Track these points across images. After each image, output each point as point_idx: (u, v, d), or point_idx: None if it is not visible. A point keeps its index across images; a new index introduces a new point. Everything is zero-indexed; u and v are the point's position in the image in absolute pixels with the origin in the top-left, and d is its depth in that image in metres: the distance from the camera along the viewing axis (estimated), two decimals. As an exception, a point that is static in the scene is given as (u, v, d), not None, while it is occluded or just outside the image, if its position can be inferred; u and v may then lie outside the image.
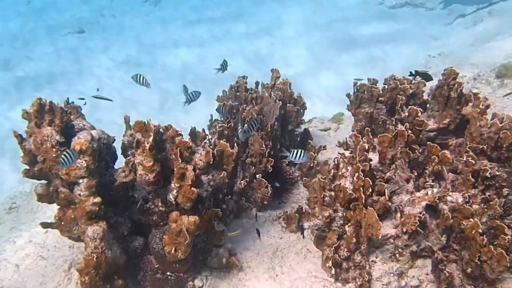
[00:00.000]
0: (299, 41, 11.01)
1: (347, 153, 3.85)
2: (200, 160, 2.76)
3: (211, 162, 2.74)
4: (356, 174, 2.92)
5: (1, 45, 11.67)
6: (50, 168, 2.60)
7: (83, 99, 4.28)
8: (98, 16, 13.48)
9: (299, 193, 3.79)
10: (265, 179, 3.55)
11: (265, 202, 3.55)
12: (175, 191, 2.74)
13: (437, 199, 2.87)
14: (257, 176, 3.53)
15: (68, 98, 3.19)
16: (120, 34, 12.32)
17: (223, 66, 4.13)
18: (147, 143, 2.64)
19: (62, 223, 2.79)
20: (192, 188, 2.61)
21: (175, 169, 2.71)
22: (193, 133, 3.87)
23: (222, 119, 3.99)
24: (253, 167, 3.56)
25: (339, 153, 3.92)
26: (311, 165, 3.69)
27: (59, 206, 2.81)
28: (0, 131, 7.63)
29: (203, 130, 4.00)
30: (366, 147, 3.12)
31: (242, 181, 3.48)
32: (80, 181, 2.57)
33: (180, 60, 10.41)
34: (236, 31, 12.09)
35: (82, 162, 2.52)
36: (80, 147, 2.51)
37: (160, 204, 2.91)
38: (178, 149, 2.68)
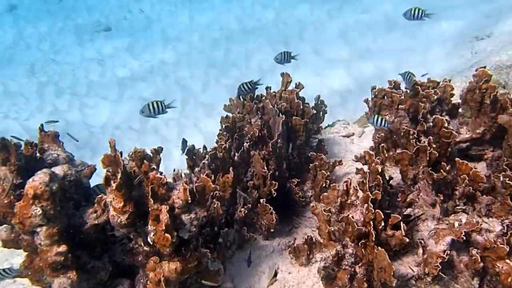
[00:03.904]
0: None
1: (365, 168, 3.39)
2: (178, 198, 2.38)
3: (189, 201, 2.34)
4: (366, 205, 2.44)
5: (29, 48, 11.74)
6: (4, 215, 2.30)
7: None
8: (126, 11, 13.30)
9: (312, 216, 3.34)
10: (272, 202, 3.14)
11: (272, 230, 3.13)
12: (152, 233, 2.38)
13: (464, 234, 2.35)
14: (261, 200, 3.11)
15: (42, 125, 2.88)
16: (146, 30, 12.10)
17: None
18: (114, 182, 2.27)
19: (30, 272, 2.49)
20: (166, 235, 2.24)
21: (150, 210, 2.34)
22: (191, 152, 3.51)
23: (224, 132, 3.58)
24: (256, 191, 3.14)
25: (356, 169, 3.47)
26: (324, 185, 3.24)
27: (26, 253, 2.51)
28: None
29: (204, 147, 3.63)
30: (379, 170, 2.63)
31: (242, 208, 3.07)
32: (38, 229, 2.25)
33: (206, 56, 10.04)
34: (266, 18, 11.54)
35: (37, 209, 2.19)
36: (33, 191, 2.18)
37: (142, 244, 2.58)
38: (150, 187, 2.30)
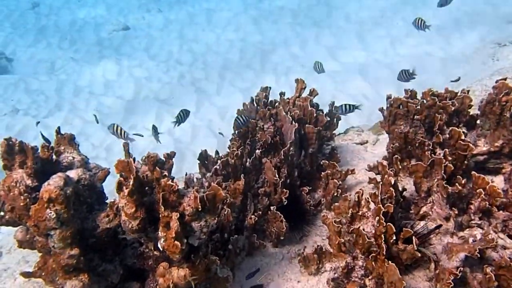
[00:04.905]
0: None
1: (378, 178, 3.36)
2: (188, 206, 2.38)
3: (199, 209, 2.35)
4: (377, 218, 2.42)
5: (50, 46, 11.89)
6: (20, 217, 2.33)
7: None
8: (144, 11, 13.40)
9: (323, 224, 3.32)
10: (283, 209, 3.13)
11: (282, 238, 3.12)
12: (162, 240, 2.39)
13: (478, 252, 2.31)
14: (272, 208, 3.10)
15: (59, 127, 2.92)
16: (163, 29, 12.16)
17: (180, 117, 3.89)
18: (126, 188, 2.29)
19: (43, 273, 2.53)
20: (176, 242, 2.25)
21: (160, 216, 2.35)
22: (203, 157, 3.51)
23: (237, 137, 3.58)
24: (266, 198, 3.14)
25: (369, 178, 3.44)
26: (336, 194, 3.22)
27: (40, 254, 2.55)
28: (36, 140, 7.68)
29: (217, 152, 3.64)
30: (392, 182, 2.60)
31: (253, 216, 3.07)
32: (52, 232, 2.28)
33: (222, 57, 10.04)
34: (283, 21, 11.51)
35: (51, 213, 2.21)
36: (48, 195, 2.21)
37: (153, 248, 2.59)
38: (161, 194, 2.31)
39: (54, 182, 2.26)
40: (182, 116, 4.10)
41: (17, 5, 15.29)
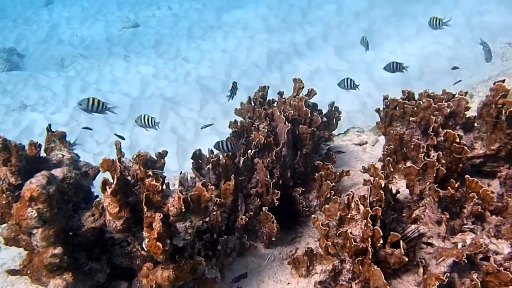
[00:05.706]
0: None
1: (372, 180, 3.31)
2: (173, 206, 2.36)
3: (183, 210, 2.32)
4: (365, 221, 2.38)
5: (61, 43, 11.99)
6: (3, 215, 2.33)
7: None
8: (155, 8, 13.44)
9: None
10: (276, 210, 3.10)
11: (273, 239, 3.08)
12: (146, 240, 2.37)
13: (466, 257, 2.26)
14: (263, 209, 3.07)
15: (50, 125, 2.93)
16: (172, 27, 12.17)
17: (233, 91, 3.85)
18: (109, 188, 2.27)
19: (29, 271, 2.53)
20: (158, 243, 2.23)
21: (144, 216, 2.33)
22: (197, 156, 3.49)
23: (232, 137, 3.56)
24: (258, 199, 3.10)
25: (364, 180, 3.39)
26: (329, 195, 3.17)
27: (26, 252, 2.55)
28: (41, 136, 7.72)
29: (211, 151, 3.61)
30: (382, 184, 2.55)
31: (243, 216, 3.04)
32: (34, 231, 2.27)
33: (229, 54, 10.01)
34: (292, 19, 11.44)
35: (33, 211, 2.21)
36: (30, 193, 2.20)
37: (139, 248, 2.58)
38: (145, 194, 2.29)
39: (37, 180, 2.25)
40: (234, 89, 4.10)
41: (31, 2, 15.46)
